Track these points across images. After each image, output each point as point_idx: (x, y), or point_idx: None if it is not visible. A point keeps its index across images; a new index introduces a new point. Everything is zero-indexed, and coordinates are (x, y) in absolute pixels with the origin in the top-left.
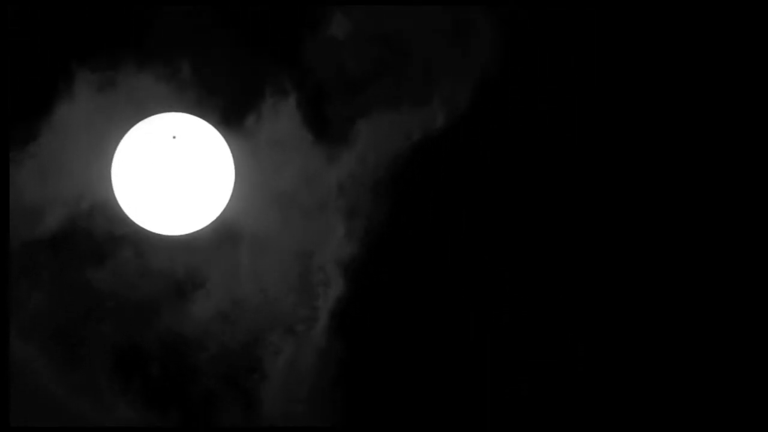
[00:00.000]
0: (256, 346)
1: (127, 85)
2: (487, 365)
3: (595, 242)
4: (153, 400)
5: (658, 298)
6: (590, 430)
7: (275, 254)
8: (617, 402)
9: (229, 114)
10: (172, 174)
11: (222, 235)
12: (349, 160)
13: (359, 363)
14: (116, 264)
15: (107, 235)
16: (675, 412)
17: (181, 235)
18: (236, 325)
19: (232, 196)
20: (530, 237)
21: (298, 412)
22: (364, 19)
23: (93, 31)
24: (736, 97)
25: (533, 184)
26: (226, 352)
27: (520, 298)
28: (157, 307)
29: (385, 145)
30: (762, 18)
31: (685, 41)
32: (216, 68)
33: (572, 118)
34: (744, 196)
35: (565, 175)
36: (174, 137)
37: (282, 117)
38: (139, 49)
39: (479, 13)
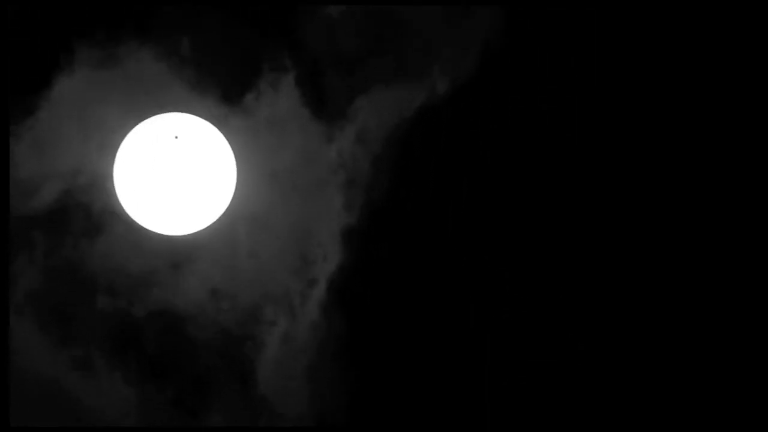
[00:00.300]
0: (253, 320)
1: (128, 62)
2: (487, 345)
3: (597, 233)
4: (148, 375)
5: (658, 296)
6: (589, 428)
7: (274, 230)
8: (616, 400)
9: (228, 91)
10: (175, 174)
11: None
12: (348, 136)
13: (356, 337)
14: (111, 239)
15: (103, 210)
16: (675, 411)
17: (183, 236)
18: (232, 299)
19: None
20: (530, 217)
21: (293, 386)
22: None
23: (94, 7)
24: (736, 96)
25: (533, 160)
26: (223, 327)
27: (520, 274)
28: (153, 283)
29: (384, 119)
30: (762, 18)
31: (685, 35)
32: (215, 46)
33: (574, 96)
34: (744, 196)
35: (566, 160)
36: (176, 137)
37: (281, 94)
38: (139, 26)
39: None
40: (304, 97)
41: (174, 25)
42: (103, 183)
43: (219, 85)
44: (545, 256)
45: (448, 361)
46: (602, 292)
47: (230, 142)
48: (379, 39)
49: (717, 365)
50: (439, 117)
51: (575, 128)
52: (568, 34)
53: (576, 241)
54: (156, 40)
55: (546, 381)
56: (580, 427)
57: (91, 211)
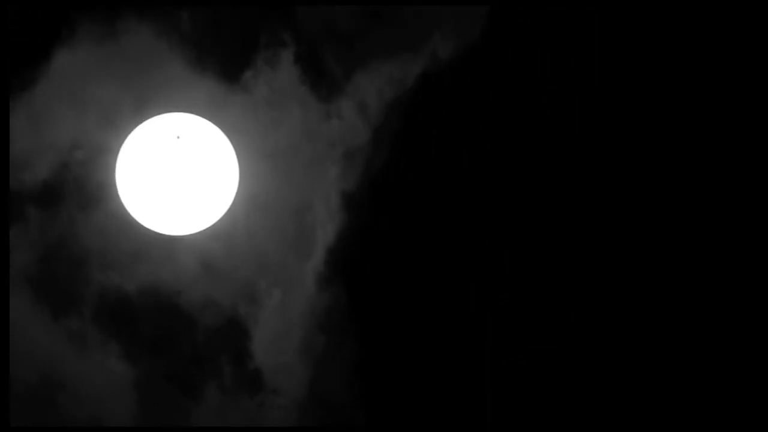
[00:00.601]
0: (248, 294)
1: (127, 38)
2: (486, 324)
3: (597, 222)
4: (143, 350)
5: (657, 281)
6: (588, 409)
7: (272, 206)
8: (615, 382)
9: (227, 69)
10: (177, 174)
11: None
12: (349, 108)
13: (353, 310)
14: (107, 214)
15: (98, 185)
16: (671, 391)
17: (186, 235)
18: (228, 274)
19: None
20: (530, 191)
21: (288, 362)
22: None
23: None
24: (735, 93)
25: (536, 132)
26: (218, 302)
27: (520, 252)
28: (148, 258)
29: (384, 90)
30: (762, 18)
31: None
32: (215, 23)
33: (579, 65)
34: (742, 191)
35: (571, 132)
36: (178, 137)
37: (280, 71)
38: (139, 2)
39: None
40: (303, 74)
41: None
42: (99, 158)
43: (218, 62)
44: (545, 235)
45: (447, 336)
46: (602, 277)
47: (229, 120)
48: (376, 15)
49: (712, 348)
50: (441, 83)
51: (580, 98)
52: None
53: (576, 223)
54: (155, 16)
55: (545, 360)
56: (578, 408)
57: (87, 186)
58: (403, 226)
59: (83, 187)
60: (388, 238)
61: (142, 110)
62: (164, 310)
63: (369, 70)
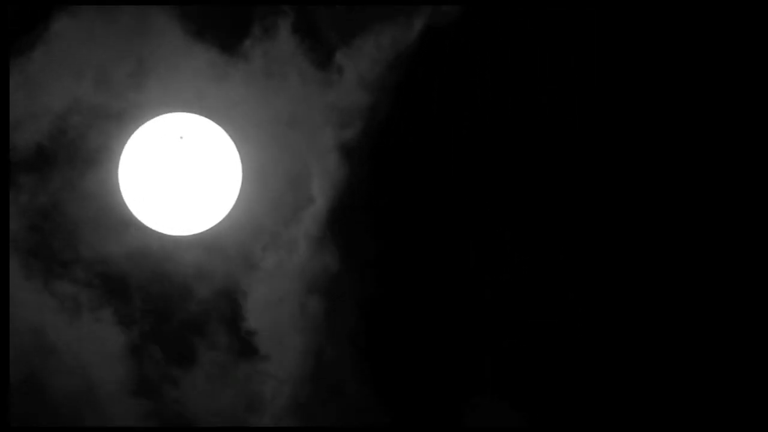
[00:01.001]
0: (243, 260)
1: (127, 6)
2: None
3: (598, 204)
4: (136, 317)
5: (656, 263)
6: (587, 386)
7: (268, 173)
8: (615, 361)
9: (227, 39)
10: (180, 174)
11: None
12: (349, 72)
13: (349, 276)
14: (100, 179)
15: (94, 150)
16: (669, 369)
17: (189, 235)
18: (223, 239)
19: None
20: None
21: (282, 327)
22: None
23: None
24: (734, 93)
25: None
26: (212, 269)
27: (519, 212)
28: (140, 225)
29: (381, 57)
30: (762, 18)
31: None
32: None
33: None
34: (735, 184)
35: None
36: (181, 137)
37: (279, 40)
38: None
39: None
40: (302, 41)
41: None
42: (95, 123)
43: (218, 32)
44: (546, 214)
45: (445, 301)
46: (602, 257)
47: (229, 91)
48: None
49: (711, 335)
50: (442, 38)
51: (581, 89)
52: None
53: (577, 203)
54: None
55: (544, 335)
56: (578, 384)
57: (82, 151)
58: (402, 189)
59: (78, 152)
60: (387, 203)
61: (140, 78)
62: (157, 278)
63: (369, 34)
